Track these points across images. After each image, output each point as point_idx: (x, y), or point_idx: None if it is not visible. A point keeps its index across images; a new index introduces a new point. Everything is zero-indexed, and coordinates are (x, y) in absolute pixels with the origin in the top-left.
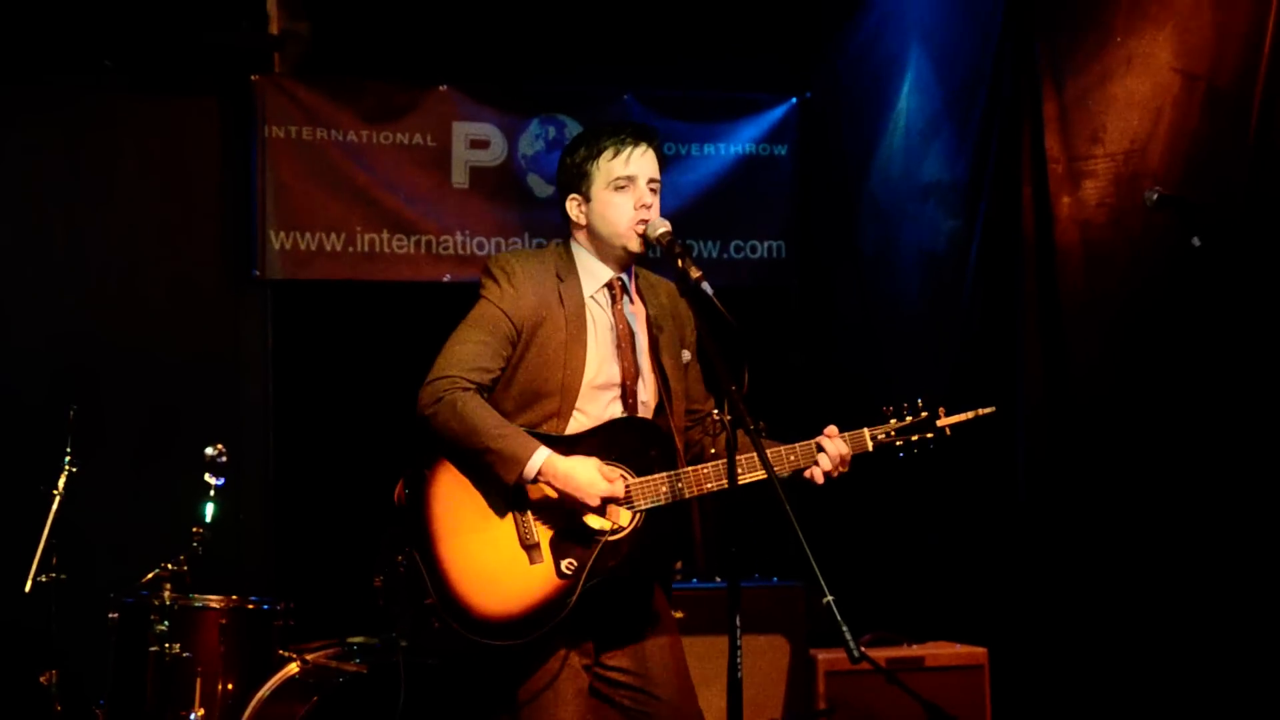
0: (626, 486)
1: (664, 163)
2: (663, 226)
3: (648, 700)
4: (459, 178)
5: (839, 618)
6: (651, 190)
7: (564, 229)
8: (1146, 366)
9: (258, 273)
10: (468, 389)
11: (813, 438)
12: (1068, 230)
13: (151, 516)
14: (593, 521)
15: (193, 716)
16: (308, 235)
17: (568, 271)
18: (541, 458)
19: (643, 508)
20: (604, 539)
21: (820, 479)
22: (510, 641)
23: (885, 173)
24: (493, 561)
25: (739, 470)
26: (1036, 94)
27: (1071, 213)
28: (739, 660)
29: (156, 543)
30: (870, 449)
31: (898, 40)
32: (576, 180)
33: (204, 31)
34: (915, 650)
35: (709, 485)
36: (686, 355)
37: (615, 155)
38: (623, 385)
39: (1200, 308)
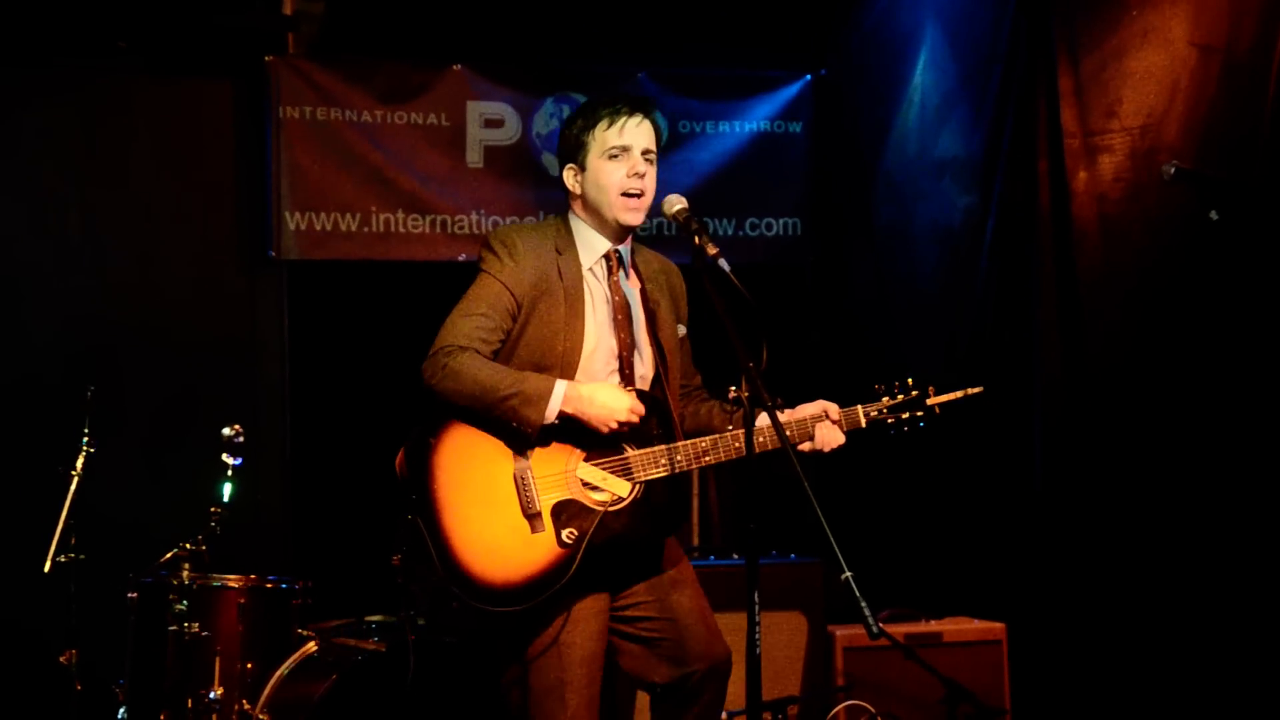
0: (627, 458)
1: (678, 140)
2: (679, 203)
3: (669, 626)
4: (473, 157)
5: (857, 593)
6: (647, 160)
7: (564, 202)
8: (1164, 340)
9: (273, 253)
10: (465, 349)
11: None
12: (1084, 205)
13: (169, 497)
14: (594, 494)
15: (212, 695)
16: (323, 216)
17: (566, 245)
18: (563, 387)
19: (642, 479)
20: (604, 509)
21: (808, 450)
22: (511, 608)
23: (900, 149)
24: (496, 530)
25: (733, 446)
26: (1052, 69)
27: (1088, 188)
28: (757, 637)
29: (175, 523)
30: (864, 425)
31: (912, 16)
32: (574, 150)
33: (218, 13)
34: (933, 626)
35: (706, 458)
36: (681, 330)
37: (610, 125)
38: (620, 358)
39: (1218, 281)
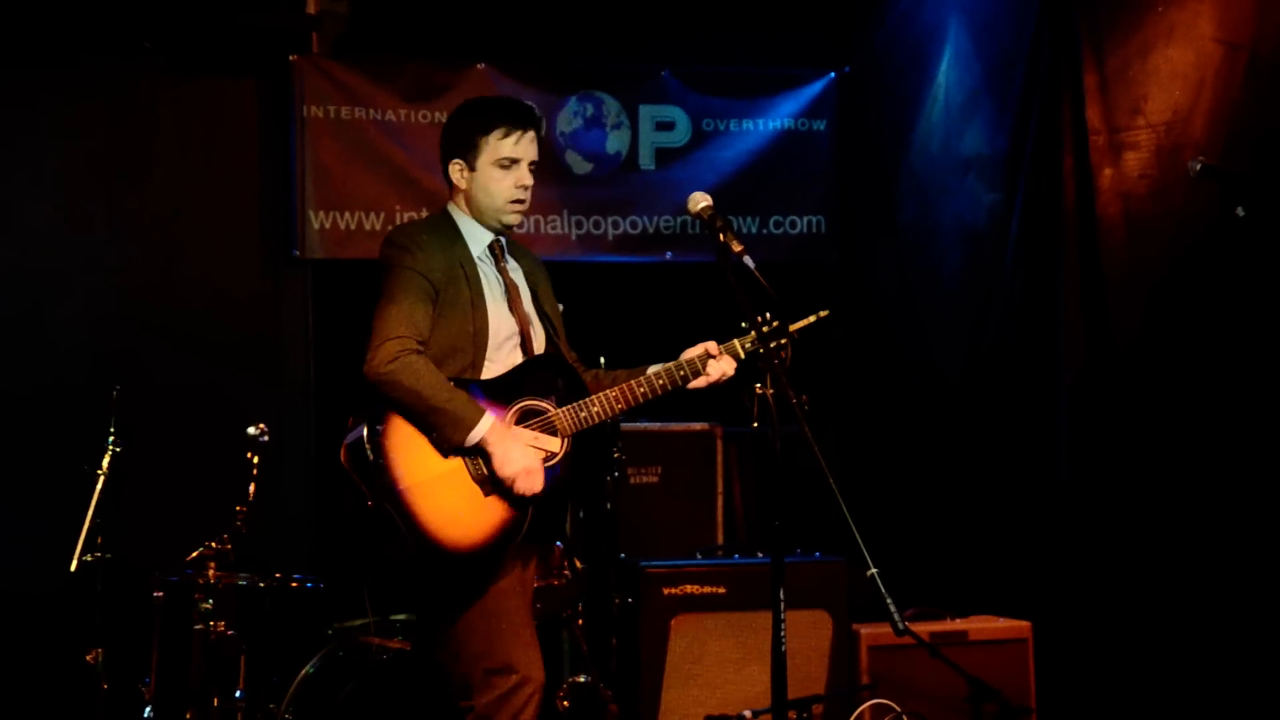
0: (549, 416)
1: (701, 138)
2: (704, 201)
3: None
4: None
5: (883, 590)
6: (531, 172)
7: (589, 200)
8: (1189, 337)
9: (297, 252)
10: (417, 351)
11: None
12: (1109, 202)
13: (195, 496)
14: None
15: (237, 694)
16: (347, 215)
17: (455, 236)
18: (487, 425)
19: (570, 433)
20: (542, 465)
21: (703, 385)
22: (479, 568)
23: (925, 147)
24: (454, 500)
25: (638, 392)
26: (1077, 66)
27: (1113, 184)
28: (783, 635)
29: (200, 522)
30: (743, 356)
31: (936, 13)
32: (463, 148)
33: (242, 12)
34: (958, 624)
35: (619, 405)
36: (560, 306)
37: (505, 135)
38: (520, 334)
39: (1244, 278)
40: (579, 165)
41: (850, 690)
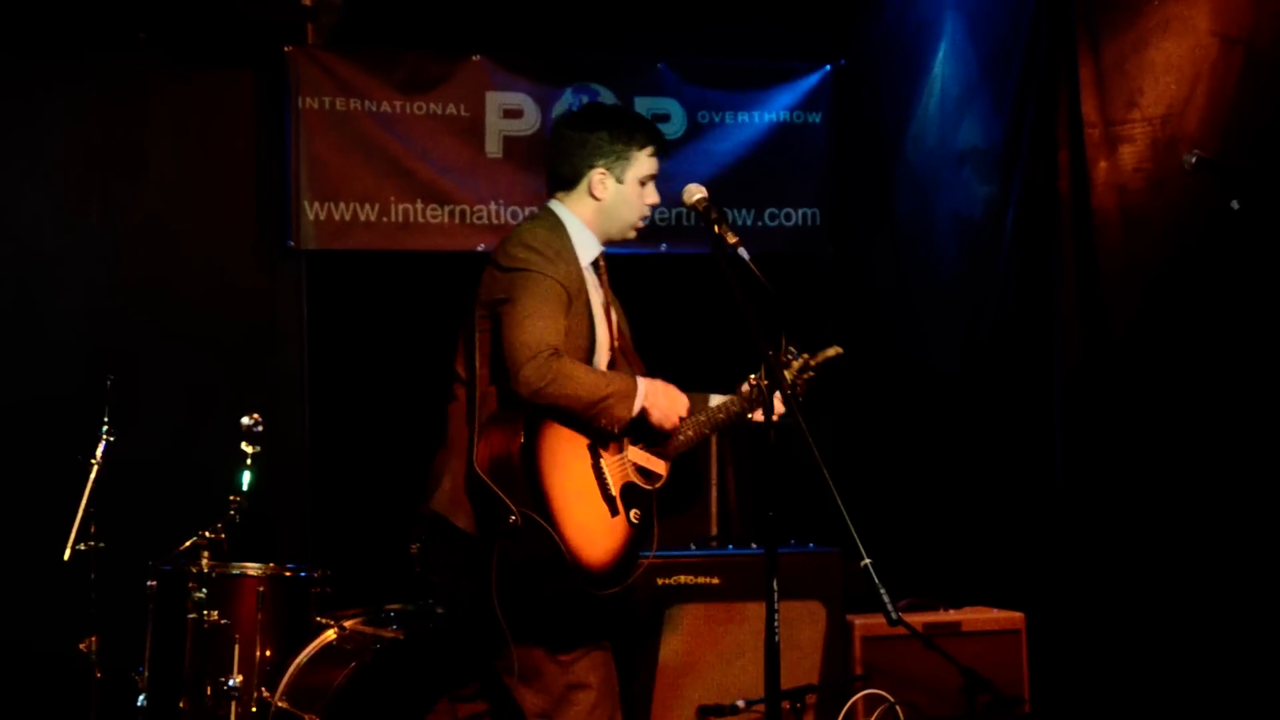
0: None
1: (697, 130)
2: (699, 193)
3: None
4: (492, 147)
5: (876, 580)
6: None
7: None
8: (1185, 330)
9: (292, 243)
10: (563, 355)
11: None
12: (1105, 195)
13: (189, 485)
14: (643, 477)
15: (231, 683)
16: (342, 206)
17: (569, 242)
18: (643, 384)
19: (672, 456)
20: (654, 488)
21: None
22: (613, 589)
23: (920, 139)
24: (591, 517)
25: (717, 417)
26: (1072, 58)
27: (1108, 178)
28: (776, 625)
29: (194, 511)
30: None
31: (932, 6)
32: (612, 157)
33: (237, 4)
34: (952, 615)
35: (705, 430)
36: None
37: (654, 154)
38: (613, 351)
39: (1239, 271)
40: None
41: (844, 681)
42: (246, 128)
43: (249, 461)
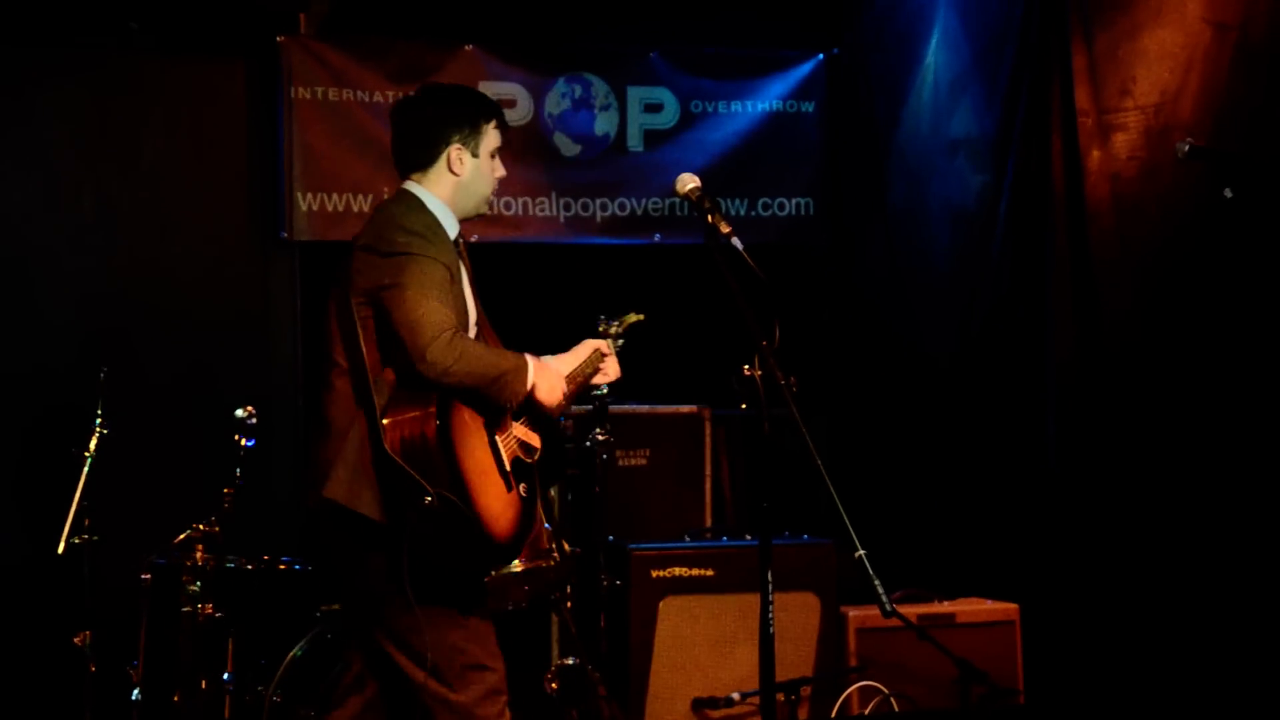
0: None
1: (690, 120)
2: (692, 183)
3: None
4: None
5: (871, 571)
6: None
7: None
8: (1178, 318)
9: (285, 234)
10: (463, 333)
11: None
12: (1098, 184)
13: (182, 478)
14: (526, 449)
15: (225, 676)
16: (335, 196)
17: (437, 223)
18: (532, 361)
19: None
20: (533, 460)
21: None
22: (512, 562)
23: (914, 128)
24: (498, 493)
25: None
26: (1065, 47)
27: (1102, 166)
28: (771, 617)
29: (188, 504)
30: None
31: None
32: (466, 132)
33: None
34: (946, 607)
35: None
36: None
37: (498, 126)
38: (478, 325)
39: (1232, 259)
40: (567, 147)
41: (838, 672)
42: (239, 118)
43: (243, 454)
